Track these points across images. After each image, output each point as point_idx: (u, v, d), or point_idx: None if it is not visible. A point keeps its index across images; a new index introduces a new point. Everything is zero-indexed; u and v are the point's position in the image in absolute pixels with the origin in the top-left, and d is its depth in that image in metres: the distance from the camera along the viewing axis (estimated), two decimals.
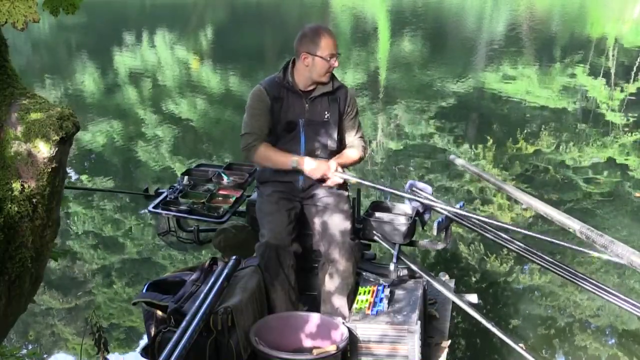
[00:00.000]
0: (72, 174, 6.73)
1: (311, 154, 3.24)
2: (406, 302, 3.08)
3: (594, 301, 4.36)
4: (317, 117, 3.23)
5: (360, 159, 3.40)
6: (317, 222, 3.20)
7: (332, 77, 3.25)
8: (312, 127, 3.23)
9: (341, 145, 3.35)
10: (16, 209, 1.70)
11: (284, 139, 3.23)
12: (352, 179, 3.31)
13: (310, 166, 3.16)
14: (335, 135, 3.27)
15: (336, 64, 3.17)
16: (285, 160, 3.18)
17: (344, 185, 3.33)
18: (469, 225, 3.23)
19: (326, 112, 3.24)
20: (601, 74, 11.11)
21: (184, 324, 2.52)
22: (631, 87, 10.28)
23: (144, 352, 2.76)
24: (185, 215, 3.40)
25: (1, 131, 1.71)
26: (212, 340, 2.71)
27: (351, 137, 3.36)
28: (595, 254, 2.74)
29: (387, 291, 3.11)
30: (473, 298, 3.34)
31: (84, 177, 6.78)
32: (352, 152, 3.35)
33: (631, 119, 8.55)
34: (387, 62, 12.82)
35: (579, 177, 6.67)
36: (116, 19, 18.65)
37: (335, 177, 3.21)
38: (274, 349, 2.76)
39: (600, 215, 5.80)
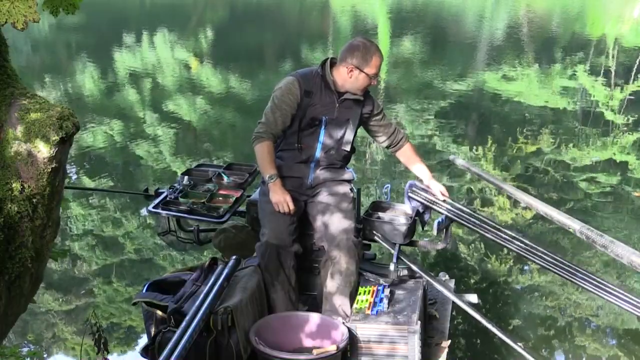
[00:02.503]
0: (72, 174, 6.73)
1: (326, 152, 3.26)
2: (406, 302, 3.08)
3: (594, 301, 4.37)
4: (340, 117, 3.25)
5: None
6: (319, 220, 3.20)
7: None
8: (332, 126, 3.24)
9: (352, 150, 3.36)
10: (16, 209, 1.70)
11: (305, 132, 3.23)
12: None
13: (274, 193, 3.14)
14: (351, 138, 3.29)
15: (375, 82, 3.23)
16: (266, 169, 3.18)
17: (348, 185, 3.34)
18: (469, 225, 3.23)
19: (349, 114, 3.26)
20: (601, 74, 11.12)
21: (184, 324, 2.52)
22: (631, 87, 10.28)
23: (144, 352, 2.76)
24: (185, 215, 3.39)
25: (1, 131, 1.71)
26: (212, 340, 2.71)
27: (390, 134, 3.43)
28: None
29: (387, 291, 3.11)
30: (473, 298, 3.33)
31: (84, 177, 6.78)
32: (416, 156, 3.49)
33: (631, 119, 8.56)
34: (387, 62, 12.81)
35: (579, 177, 6.67)
36: (116, 19, 18.64)
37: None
38: (274, 349, 2.76)
39: (600, 215, 5.80)
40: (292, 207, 3.11)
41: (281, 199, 3.11)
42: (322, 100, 3.21)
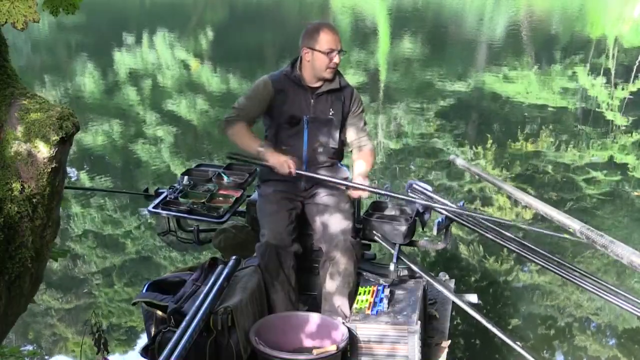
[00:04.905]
0: (72, 174, 6.73)
1: (314, 151, 3.25)
2: (406, 302, 3.08)
3: (594, 301, 4.37)
4: (321, 115, 3.23)
5: (374, 158, 3.44)
6: (318, 221, 3.20)
7: (339, 75, 3.25)
8: (316, 125, 3.23)
9: (342, 146, 3.35)
10: (16, 209, 1.69)
11: (287, 132, 3.23)
12: (372, 190, 3.32)
13: (272, 157, 3.12)
14: (337, 135, 3.27)
15: (337, 59, 3.15)
16: (252, 144, 3.16)
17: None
18: (469, 225, 3.23)
19: (330, 110, 3.24)
20: (601, 74, 11.12)
21: (184, 324, 2.52)
22: (631, 87, 10.28)
23: (144, 352, 2.76)
24: (185, 215, 3.39)
25: (1, 131, 1.71)
26: (212, 340, 2.71)
27: (358, 136, 3.35)
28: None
29: (387, 291, 3.11)
30: (473, 298, 3.34)
31: (84, 177, 6.78)
32: (370, 158, 3.34)
33: (631, 119, 8.56)
34: (387, 62, 12.81)
35: (579, 177, 6.67)
36: (116, 19, 18.64)
37: (358, 192, 3.20)
38: (274, 349, 2.76)
39: (600, 215, 5.80)
40: (293, 167, 3.10)
41: (282, 159, 3.10)
42: (296, 97, 3.20)
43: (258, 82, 3.27)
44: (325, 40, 3.12)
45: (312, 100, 3.22)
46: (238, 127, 3.21)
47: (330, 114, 3.24)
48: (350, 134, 3.36)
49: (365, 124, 3.41)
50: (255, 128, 3.32)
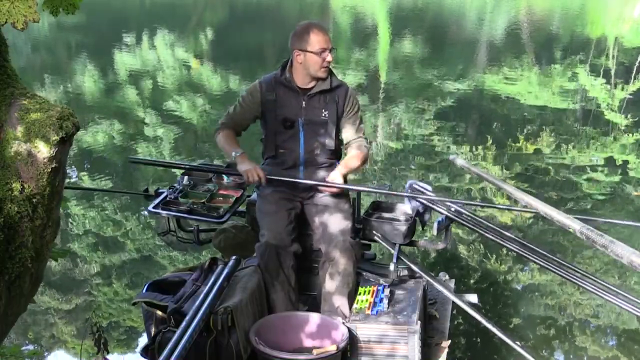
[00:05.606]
0: (72, 174, 6.73)
1: (311, 152, 3.25)
2: (406, 302, 3.08)
3: (594, 301, 4.37)
4: (315, 117, 3.21)
5: (364, 162, 3.35)
6: (317, 221, 3.20)
7: (331, 75, 3.24)
8: (311, 127, 3.22)
9: (340, 145, 3.35)
10: (16, 209, 1.70)
11: (282, 135, 3.23)
12: (353, 187, 3.35)
13: (241, 168, 3.18)
14: (333, 135, 3.26)
15: (329, 58, 3.14)
16: (230, 148, 3.24)
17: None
18: (469, 225, 3.23)
19: (324, 111, 3.23)
20: (601, 74, 11.12)
21: (184, 324, 2.52)
22: (631, 87, 10.28)
23: (144, 352, 2.76)
24: (185, 215, 3.39)
25: (1, 131, 1.71)
26: (212, 340, 2.72)
27: (351, 137, 3.32)
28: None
29: (387, 291, 3.11)
30: (473, 298, 3.34)
31: (84, 177, 6.78)
32: (353, 160, 3.28)
33: (631, 119, 8.56)
34: (387, 62, 12.81)
35: (579, 177, 6.67)
36: (116, 19, 18.63)
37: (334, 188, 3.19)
38: (274, 349, 2.76)
39: (600, 215, 5.79)
40: (262, 174, 3.13)
41: (250, 167, 3.14)
42: (287, 100, 3.20)
43: (249, 89, 3.31)
44: (316, 40, 3.11)
45: (303, 103, 3.21)
46: (223, 134, 3.30)
47: (324, 115, 3.22)
48: (345, 135, 3.35)
49: (361, 122, 3.36)
50: (256, 130, 3.34)
